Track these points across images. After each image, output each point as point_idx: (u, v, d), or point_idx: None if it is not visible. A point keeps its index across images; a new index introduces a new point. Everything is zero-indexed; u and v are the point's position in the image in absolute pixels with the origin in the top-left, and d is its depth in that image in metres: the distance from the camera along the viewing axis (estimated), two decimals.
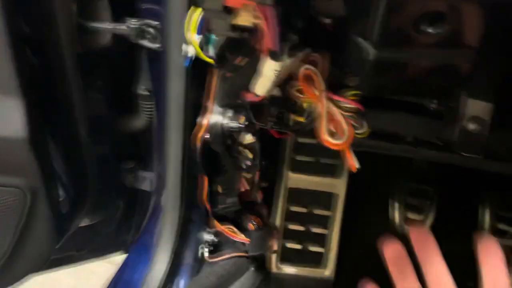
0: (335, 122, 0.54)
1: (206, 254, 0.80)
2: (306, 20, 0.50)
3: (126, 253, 0.97)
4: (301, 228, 0.82)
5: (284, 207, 0.82)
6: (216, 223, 0.80)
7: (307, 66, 0.53)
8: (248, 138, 0.73)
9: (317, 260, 0.83)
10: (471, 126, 0.58)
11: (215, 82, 0.68)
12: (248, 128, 0.71)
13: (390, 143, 0.68)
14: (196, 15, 0.51)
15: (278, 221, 0.82)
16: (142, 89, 0.84)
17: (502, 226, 0.85)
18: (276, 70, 0.49)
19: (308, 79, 0.54)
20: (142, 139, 0.92)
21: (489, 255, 0.50)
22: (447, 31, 0.40)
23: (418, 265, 0.52)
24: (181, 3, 0.53)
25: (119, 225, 0.97)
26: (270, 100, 0.60)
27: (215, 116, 0.70)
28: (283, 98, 0.58)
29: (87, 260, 1.04)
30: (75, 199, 0.79)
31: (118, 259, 0.98)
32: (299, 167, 0.81)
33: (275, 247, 0.82)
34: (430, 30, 0.41)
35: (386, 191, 0.89)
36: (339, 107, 0.54)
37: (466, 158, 0.62)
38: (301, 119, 0.60)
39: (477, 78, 0.49)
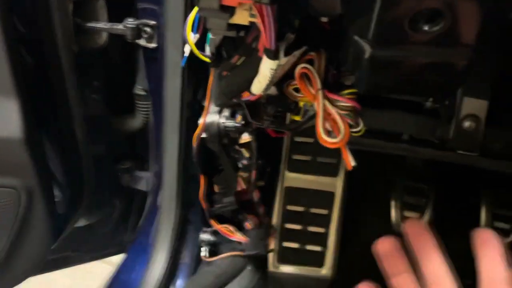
0: (331, 120, 0.54)
1: (204, 254, 0.80)
2: (302, 18, 0.50)
3: (123, 253, 0.96)
4: (298, 227, 0.82)
5: (281, 207, 0.82)
6: (213, 222, 0.79)
7: (304, 64, 0.53)
8: (245, 137, 0.73)
9: (315, 259, 0.83)
10: (467, 124, 0.58)
11: (211, 81, 0.68)
12: (245, 127, 0.71)
13: (386, 142, 0.68)
14: (192, 14, 0.51)
15: (275, 220, 0.82)
16: (139, 89, 0.84)
17: (498, 224, 0.85)
18: (272, 69, 0.49)
19: (305, 77, 0.54)
20: (138, 139, 0.92)
21: (486, 248, 0.48)
22: (444, 29, 0.40)
23: (418, 263, 0.50)
24: (180, 3, 0.53)
25: (115, 225, 0.97)
26: (266, 99, 0.60)
27: (212, 115, 0.70)
28: (280, 97, 0.58)
29: (83, 261, 1.04)
30: (71, 199, 0.79)
31: (114, 259, 0.98)
32: (296, 166, 0.81)
33: (272, 246, 0.82)
34: (426, 28, 0.41)
35: (383, 190, 0.89)
36: (336, 106, 0.54)
37: (462, 156, 0.62)
38: (298, 118, 0.60)
39: (472, 76, 0.49)
